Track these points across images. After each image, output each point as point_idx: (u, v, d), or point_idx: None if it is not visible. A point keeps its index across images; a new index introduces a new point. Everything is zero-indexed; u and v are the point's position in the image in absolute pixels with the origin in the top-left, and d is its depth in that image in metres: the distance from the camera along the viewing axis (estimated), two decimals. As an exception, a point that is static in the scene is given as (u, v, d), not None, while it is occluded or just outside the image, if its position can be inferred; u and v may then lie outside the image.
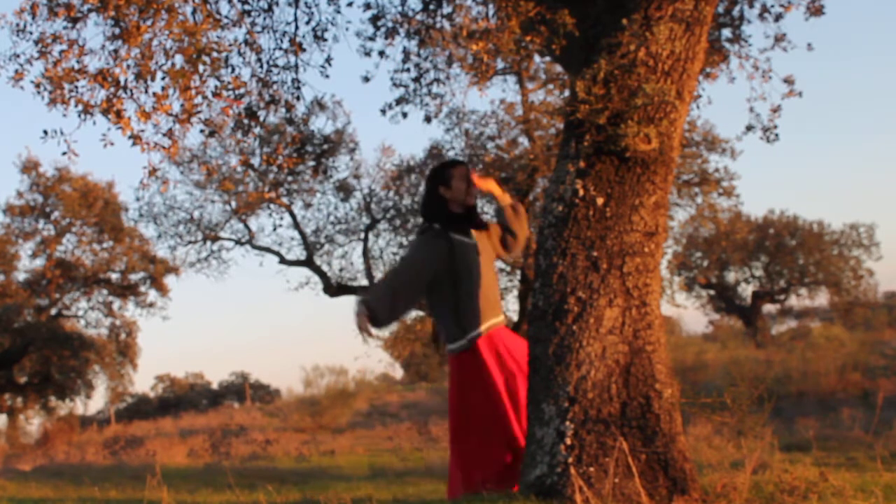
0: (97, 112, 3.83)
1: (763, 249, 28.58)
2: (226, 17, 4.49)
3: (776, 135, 5.24)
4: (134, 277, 22.42)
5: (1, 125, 54.98)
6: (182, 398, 35.06)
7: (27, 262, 22.05)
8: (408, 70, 5.51)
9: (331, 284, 13.44)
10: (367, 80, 5.52)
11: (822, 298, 30.39)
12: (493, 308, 4.34)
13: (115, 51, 3.83)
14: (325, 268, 13.67)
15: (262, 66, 4.73)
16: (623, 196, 3.86)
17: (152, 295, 22.57)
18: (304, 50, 4.81)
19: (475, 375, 4.20)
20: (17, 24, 3.85)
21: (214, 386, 36.70)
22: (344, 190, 13.41)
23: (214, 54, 3.86)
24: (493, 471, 4.08)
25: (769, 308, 30.97)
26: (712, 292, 29.82)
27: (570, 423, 3.65)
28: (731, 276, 29.89)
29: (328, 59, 4.86)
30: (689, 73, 3.91)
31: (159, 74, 3.84)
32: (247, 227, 14.10)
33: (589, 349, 3.71)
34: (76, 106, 3.82)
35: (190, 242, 14.15)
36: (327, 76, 4.88)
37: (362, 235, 13.54)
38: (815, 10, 5.14)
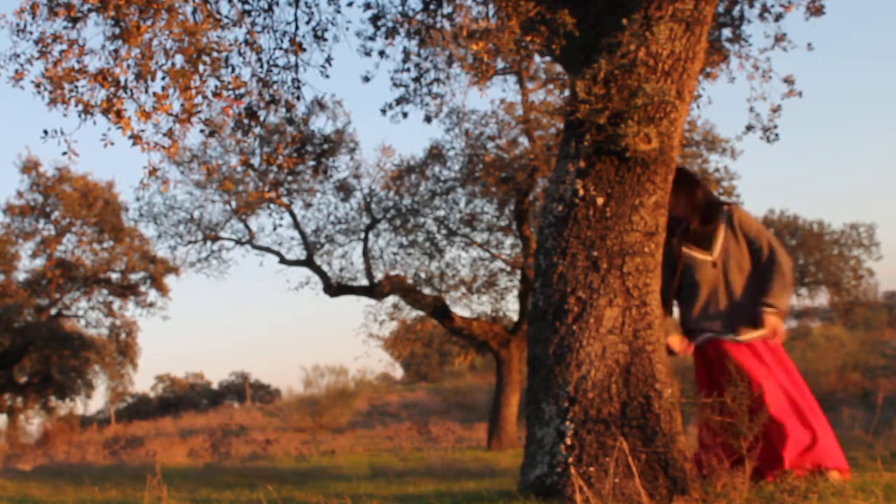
0: (97, 112, 3.83)
1: (763, 249, 28.51)
2: (226, 17, 4.49)
3: (776, 135, 5.25)
4: (134, 277, 22.42)
5: (1, 125, 54.99)
6: (182, 398, 35.06)
7: (27, 262, 22.06)
8: (408, 70, 5.52)
9: (331, 284, 13.43)
10: (367, 80, 5.53)
11: (822, 298, 30.40)
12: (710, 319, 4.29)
13: (115, 51, 3.83)
14: (325, 268, 13.66)
15: (262, 66, 4.73)
16: (623, 196, 3.86)
17: (152, 295, 22.58)
18: (304, 50, 4.81)
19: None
20: (17, 24, 3.85)
21: (214, 386, 36.71)
22: (344, 190, 13.39)
23: (214, 54, 3.86)
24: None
25: (769, 308, 30.87)
26: (712, 292, 29.75)
27: (570, 423, 3.65)
28: (731, 276, 29.82)
29: (328, 59, 4.86)
30: (689, 73, 3.91)
31: (159, 74, 3.84)
32: (247, 226, 14.10)
33: (589, 349, 3.71)
34: (76, 106, 3.82)
35: (190, 242, 14.14)
36: (327, 76, 4.89)
37: (362, 235, 13.52)
38: (815, 10, 5.15)
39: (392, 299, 13.99)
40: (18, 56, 3.87)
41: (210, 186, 13.60)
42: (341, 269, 13.72)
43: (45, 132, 3.79)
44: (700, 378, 4.29)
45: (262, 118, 4.73)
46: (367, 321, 14.60)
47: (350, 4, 5.08)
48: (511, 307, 22.42)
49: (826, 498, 3.43)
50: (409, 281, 13.33)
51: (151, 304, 22.53)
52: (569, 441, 3.63)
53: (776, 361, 4.22)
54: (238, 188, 13.28)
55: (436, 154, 12.97)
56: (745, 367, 4.09)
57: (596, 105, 3.77)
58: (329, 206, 13.61)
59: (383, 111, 5.75)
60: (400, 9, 5.23)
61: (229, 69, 4.41)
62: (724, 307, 4.24)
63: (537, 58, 10.10)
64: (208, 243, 14.25)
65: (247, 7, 4.66)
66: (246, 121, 4.66)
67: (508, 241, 13.77)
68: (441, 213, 13.33)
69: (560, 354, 3.75)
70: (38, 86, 3.79)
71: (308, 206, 13.51)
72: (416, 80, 5.57)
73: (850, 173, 62.87)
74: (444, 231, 13.42)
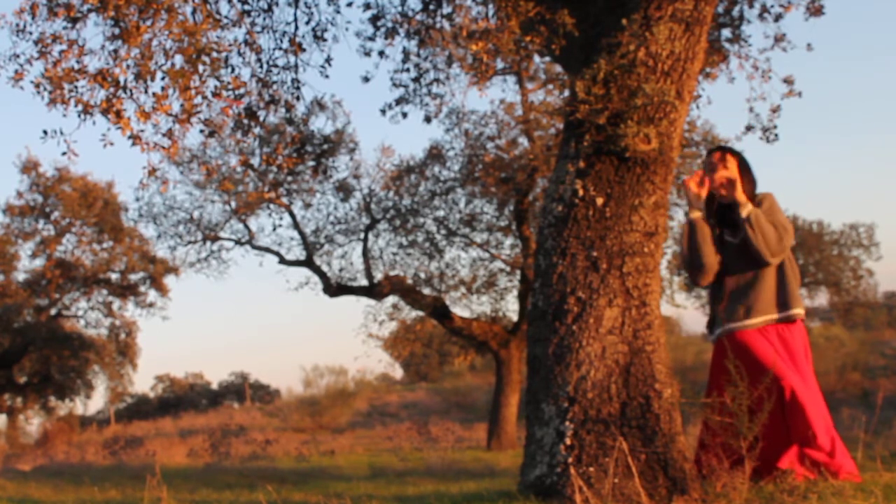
0: (97, 112, 3.83)
1: (763, 249, 28.54)
2: (226, 17, 4.49)
3: (776, 135, 5.25)
4: (134, 277, 22.42)
5: (1, 125, 54.98)
6: (182, 398, 35.06)
7: (27, 262, 22.06)
8: (408, 70, 5.52)
9: (330, 284, 13.44)
10: (367, 80, 5.53)
11: (822, 298, 30.44)
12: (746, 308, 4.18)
13: (115, 51, 3.83)
14: (324, 268, 13.67)
15: (262, 66, 4.73)
16: (623, 196, 3.86)
17: (152, 295, 22.59)
18: (303, 50, 4.81)
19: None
20: (17, 24, 3.85)
21: (214, 386, 36.73)
22: (344, 190, 13.41)
23: (214, 54, 3.86)
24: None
25: (769, 308, 30.91)
26: (712, 292, 29.78)
27: (569, 423, 3.65)
28: (731, 276, 29.86)
29: (328, 59, 4.86)
30: (688, 73, 3.91)
31: (159, 74, 3.84)
32: (247, 227, 14.12)
33: (589, 349, 3.72)
34: (76, 106, 3.81)
35: (190, 242, 14.16)
36: (327, 76, 4.89)
37: (362, 235, 13.54)
38: (815, 10, 5.15)
39: (392, 299, 14.01)
40: (18, 56, 3.86)
41: (210, 186, 13.61)
42: (341, 270, 13.74)
43: (45, 132, 3.79)
44: (716, 369, 4.24)
45: (261, 118, 4.73)
46: (366, 321, 14.64)
47: (350, 4, 5.08)
48: (511, 307, 22.43)
49: (826, 498, 3.43)
50: (409, 281, 13.34)
51: (151, 305, 22.54)
52: (568, 441, 3.63)
53: (790, 358, 4.16)
54: (238, 188, 13.29)
55: (435, 154, 12.98)
56: (764, 360, 4.05)
57: (596, 105, 3.77)
58: (329, 207, 13.64)
59: (383, 111, 5.76)
60: (400, 9, 5.24)
61: (229, 69, 4.41)
62: (745, 291, 4.18)
63: (537, 58, 10.11)
64: (208, 243, 14.27)
65: (246, 7, 4.66)
66: (245, 121, 4.66)
67: (508, 241, 13.78)
68: (441, 213, 13.35)
69: (560, 354, 3.75)
70: (37, 86, 3.79)
71: (308, 206, 13.53)
72: (416, 80, 5.57)
73: (850, 173, 62.99)
74: (443, 231, 13.43)
